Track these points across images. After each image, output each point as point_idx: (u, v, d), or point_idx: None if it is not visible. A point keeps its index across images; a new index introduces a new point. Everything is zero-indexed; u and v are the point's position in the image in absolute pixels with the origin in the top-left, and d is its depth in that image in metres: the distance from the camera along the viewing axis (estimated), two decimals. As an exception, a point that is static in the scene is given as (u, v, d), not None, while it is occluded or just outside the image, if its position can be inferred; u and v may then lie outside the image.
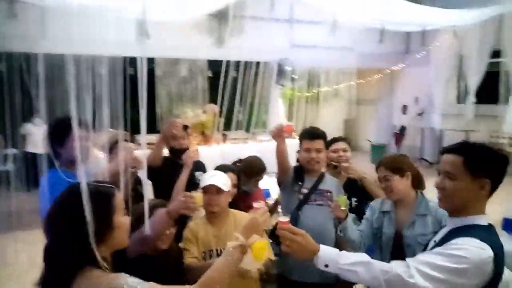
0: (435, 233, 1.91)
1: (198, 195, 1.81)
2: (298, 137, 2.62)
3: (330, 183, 2.57)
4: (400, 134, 10.78)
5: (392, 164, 2.15)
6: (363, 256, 1.45)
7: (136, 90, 1.95)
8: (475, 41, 8.37)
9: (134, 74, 2.04)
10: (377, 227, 2.22)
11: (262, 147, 8.08)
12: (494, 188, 1.46)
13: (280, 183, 2.63)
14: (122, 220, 1.28)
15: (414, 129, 10.51)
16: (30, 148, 7.31)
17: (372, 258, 1.47)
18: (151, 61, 8.06)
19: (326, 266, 1.43)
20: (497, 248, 1.35)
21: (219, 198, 2.10)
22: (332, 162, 2.81)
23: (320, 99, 10.00)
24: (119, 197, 1.31)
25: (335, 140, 2.93)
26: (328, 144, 2.83)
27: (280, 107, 9.90)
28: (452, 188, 1.46)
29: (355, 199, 2.74)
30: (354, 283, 2.51)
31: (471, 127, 8.73)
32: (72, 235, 1.17)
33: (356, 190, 2.72)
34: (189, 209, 1.74)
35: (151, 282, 1.18)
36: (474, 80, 8.60)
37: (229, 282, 1.57)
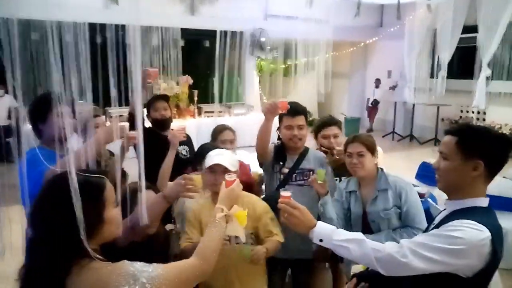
0: (397, 207, 2.01)
1: (197, 177, 1.70)
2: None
3: (314, 160, 2.47)
4: (373, 108, 10.89)
5: (367, 142, 2.17)
6: (357, 234, 1.47)
7: (106, 59, 1.80)
8: (448, 16, 8.42)
9: (103, 42, 1.89)
10: (346, 208, 2.25)
11: (238, 120, 7.98)
12: (492, 170, 1.42)
13: (260, 164, 2.54)
14: (113, 213, 1.18)
15: (387, 102, 10.64)
16: None
17: None
18: (121, 28, 7.64)
19: (321, 240, 1.47)
20: (495, 230, 1.34)
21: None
22: (322, 148, 2.69)
23: (295, 71, 9.89)
24: (110, 188, 1.19)
25: (327, 124, 2.74)
26: (319, 128, 2.74)
27: (254, 79, 9.75)
28: (445, 168, 1.45)
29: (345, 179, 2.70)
30: (332, 259, 2.53)
31: (442, 102, 8.92)
32: (61, 229, 1.07)
33: (347, 171, 2.65)
34: (189, 191, 1.63)
35: (154, 264, 1.14)
36: (446, 55, 8.71)
37: (240, 267, 1.87)
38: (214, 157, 1.98)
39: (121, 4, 6.99)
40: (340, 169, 2.57)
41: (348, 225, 2.24)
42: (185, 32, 8.51)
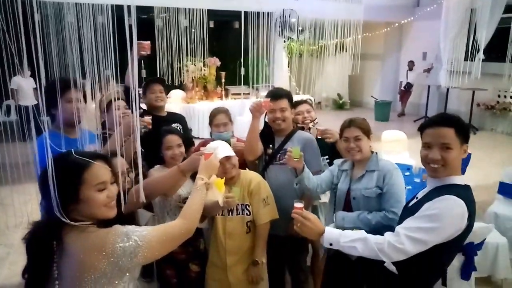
0: (379, 187, 2.09)
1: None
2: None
3: (298, 140, 2.56)
4: (406, 91, 10.59)
5: (363, 126, 2.22)
6: (361, 233, 1.65)
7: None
8: (489, -6, 7.96)
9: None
10: (336, 183, 2.32)
11: (263, 103, 7.98)
12: None
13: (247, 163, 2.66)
14: (93, 195, 1.27)
15: (421, 86, 10.31)
16: (21, 101, 7.08)
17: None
18: (150, 10, 7.77)
19: (331, 244, 1.65)
20: (471, 205, 1.57)
21: (231, 162, 2.22)
22: (298, 124, 2.85)
23: (325, 53, 9.73)
24: (97, 171, 1.29)
25: (298, 103, 3.00)
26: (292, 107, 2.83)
27: (283, 60, 9.69)
28: (451, 158, 1.61)
29: (326, 157, 2.76)
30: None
31: (479, 86, 8.54)
32: (46, 199, 1.25)
33: (328, 149, 2.71)
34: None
35: (144, 226, 1.31)
36: (484, 35, 8.26)
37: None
38: (221, 151, 2.07)
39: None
40: (333, 152, 2.64)
41: (332, 200, 2.35)
42: (214, 13, 8.54)
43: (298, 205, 1.75)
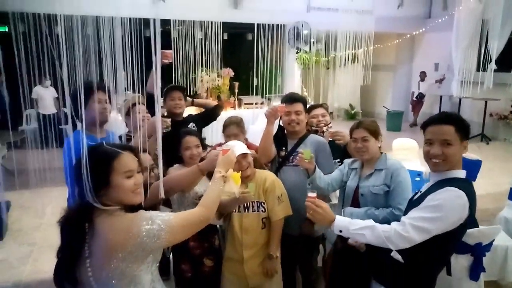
0: (387, 185, 2.20)
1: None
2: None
3: (311, 144, 2.65)
4: (418, 102, 10.61)
5: (371, 127, 2.31)
6: (369, 222, 1.75)
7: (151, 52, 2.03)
8: (500, 5, 8.01)
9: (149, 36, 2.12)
10: (345, 181, 2.43)
11: (276, 112, 8.07)
12: None
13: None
14: (122, 181, 1.39)
15: (433, 96, 10.32)
16: (41, 110, 7.58)
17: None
18: (166, 23, 8.02)
19: (340, 231, 1.76)
20: (471, 196, 1.67)
21: (247, 160, 2.32)
22: (312, 128, 2.95)
23: (337, 64, 9.84)
24: (125, 160, 1.41)
25: (313, 107, 3.10)
26: (307, 111, 2.92)
27: (295, 71, 9.83)
28: (452, 153, 1.73)
29: (338, 160, 2.84)
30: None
31: (491, 96, 8.53)
32: (79, 185, 1.36)
33: (339, 152, 2.79)
34: None
35: (168, 212, 1.45)
36: (496, 46, 8.27)
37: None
38: (238, 148, 2.18)
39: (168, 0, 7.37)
40: (345, 155, 2.71)
41: (341, 197, 2.46)
42: (228, 25, 8.75)
43: (312, 194, 1.86)
